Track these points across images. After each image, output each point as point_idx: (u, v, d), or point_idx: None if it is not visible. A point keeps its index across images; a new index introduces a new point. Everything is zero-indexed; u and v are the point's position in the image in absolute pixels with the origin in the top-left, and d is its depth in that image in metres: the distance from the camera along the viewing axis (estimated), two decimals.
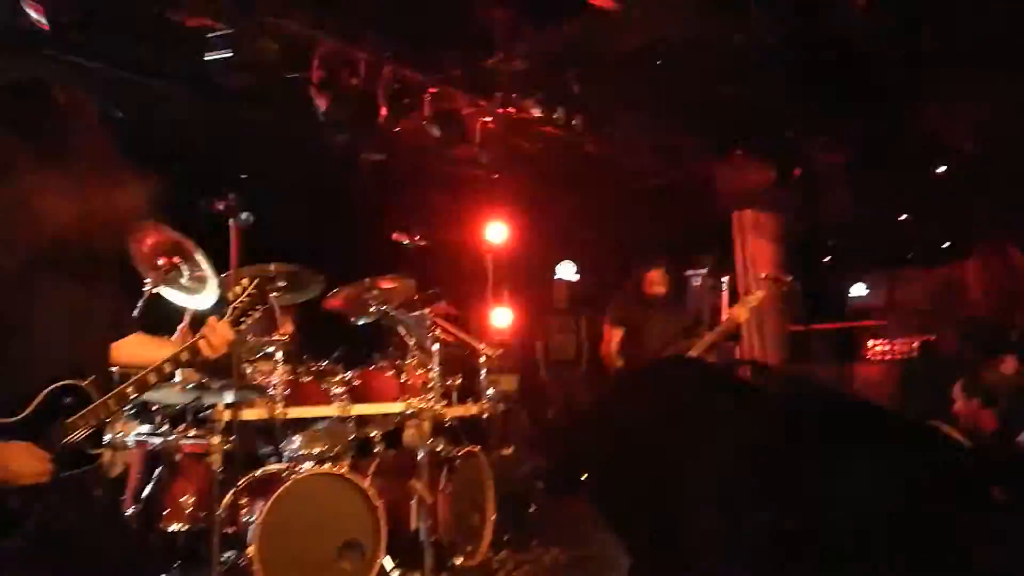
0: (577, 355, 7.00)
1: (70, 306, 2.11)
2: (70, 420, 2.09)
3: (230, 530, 3.86)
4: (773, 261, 7.39)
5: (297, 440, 4.21)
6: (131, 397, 2.22)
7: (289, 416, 4.03)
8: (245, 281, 2.47)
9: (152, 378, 2.23)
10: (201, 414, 4.12)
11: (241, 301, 2.42)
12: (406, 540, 4.24)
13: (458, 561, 4.37)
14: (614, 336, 5.49)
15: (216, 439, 3.72)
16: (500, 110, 5.78)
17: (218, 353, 2.34)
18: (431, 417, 4.40)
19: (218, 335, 2.33)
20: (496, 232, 5.71)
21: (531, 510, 5.21)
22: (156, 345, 2.43)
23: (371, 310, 4.61)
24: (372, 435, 4.55)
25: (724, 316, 5.28)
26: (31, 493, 2.00)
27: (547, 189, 6.78)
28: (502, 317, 5.79)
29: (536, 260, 6.79)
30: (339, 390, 4.20)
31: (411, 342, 4.52)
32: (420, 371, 4.46)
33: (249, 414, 3.93)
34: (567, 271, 7.44)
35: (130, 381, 2.22)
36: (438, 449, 4.57)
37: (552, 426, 6.41)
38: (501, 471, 4.92)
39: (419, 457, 4.36)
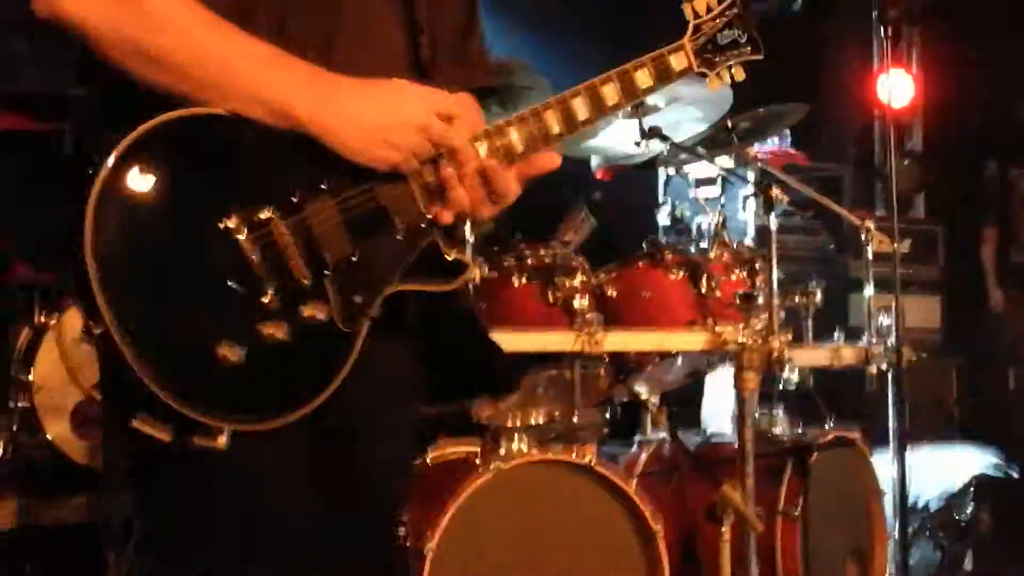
0: None
1: None
2: None
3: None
4: None
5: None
6: None
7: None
8: None
9: None
10: None
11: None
12: None
13: None
14: (989, 237, 4.71)
15: None
16: None
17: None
18: (759, 363, 2.33)
19: None
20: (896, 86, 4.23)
21: (965, 562, 2.84)
22: None
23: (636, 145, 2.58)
24: (643, 396, 2.59)
25: None
26: None
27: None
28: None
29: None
30: (580, 304, 2.28)
31: (714, 217, 2.48)
32: (736, 272, 2.43)
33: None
34: None
35: None
36: (774, 431, 2.74)
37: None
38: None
39: (737, 443, 2.44)
